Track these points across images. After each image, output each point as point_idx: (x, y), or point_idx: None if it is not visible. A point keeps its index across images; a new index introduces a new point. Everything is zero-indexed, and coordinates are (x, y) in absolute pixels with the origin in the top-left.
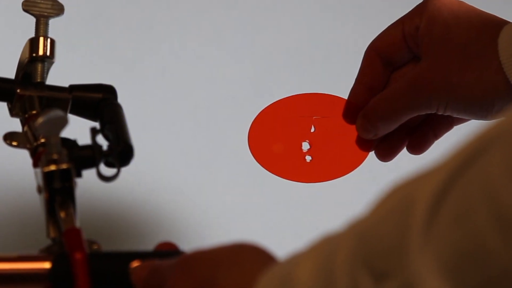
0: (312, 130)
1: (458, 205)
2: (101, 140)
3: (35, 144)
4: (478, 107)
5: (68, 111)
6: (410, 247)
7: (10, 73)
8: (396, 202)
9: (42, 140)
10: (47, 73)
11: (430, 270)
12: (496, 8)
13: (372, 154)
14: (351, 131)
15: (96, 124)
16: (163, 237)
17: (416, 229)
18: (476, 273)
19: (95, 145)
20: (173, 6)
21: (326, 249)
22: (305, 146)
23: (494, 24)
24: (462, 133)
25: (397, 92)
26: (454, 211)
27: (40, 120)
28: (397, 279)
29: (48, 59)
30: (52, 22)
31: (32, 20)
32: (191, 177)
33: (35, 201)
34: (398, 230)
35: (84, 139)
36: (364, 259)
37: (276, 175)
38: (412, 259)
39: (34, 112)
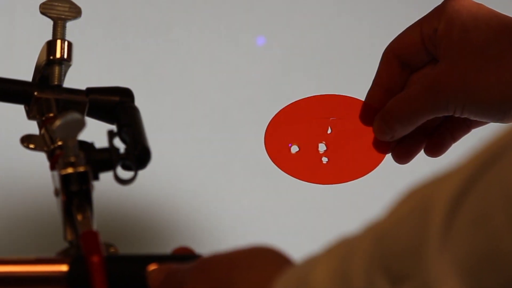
0: (329, 131)
1: (476, 208)
2: (118, 143)
3: (52, 147)
4: (496, 110)
5: (85, 114)
6: (428, 250)
7: (27, 76)
8: (414, 205)
9: (59, 143)
10: (64, 76)
11: (448, 273)
12: None
13: (389, 156)
14: (368, 133)
15: (113, 127)
16: (179, 240)
17: (434, 232)
18: (494, 276)
19: (112, 148)
20: (190, 8)
21: (342, 251)
22: (322, 147)
23: None
24: (479, 136)
25: (414, 94)
26: (472, 214)
27: (58, 123)
28: (415, 282)
29: (65, 62)
30: (70, 24)
31: (50, 22)
32: (207, 180)
33: (52, 204)
34: (416, 233)
35: (101, 142)
36: (381, 262)
37: (293, 176)
38: (430, 261)
39: (51, 114)
